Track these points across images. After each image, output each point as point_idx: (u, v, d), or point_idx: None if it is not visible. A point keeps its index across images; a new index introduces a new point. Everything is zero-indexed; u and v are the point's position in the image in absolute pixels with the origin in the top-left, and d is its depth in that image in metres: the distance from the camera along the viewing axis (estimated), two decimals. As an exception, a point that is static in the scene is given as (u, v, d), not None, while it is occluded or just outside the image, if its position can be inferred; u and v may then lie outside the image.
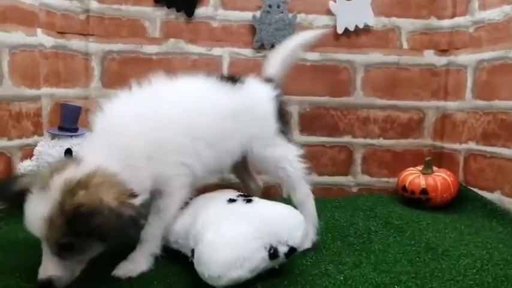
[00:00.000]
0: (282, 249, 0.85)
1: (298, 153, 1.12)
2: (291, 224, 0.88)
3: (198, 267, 0.81)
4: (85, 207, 0.75)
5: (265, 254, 0.82)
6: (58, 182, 0.79)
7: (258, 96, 1.12)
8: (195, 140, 0.97)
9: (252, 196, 0.99)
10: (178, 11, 1.54)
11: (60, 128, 1.34)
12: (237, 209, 0.92)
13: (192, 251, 0.86)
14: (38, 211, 0.77)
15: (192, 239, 0.88)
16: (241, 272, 0.79)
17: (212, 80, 1.06)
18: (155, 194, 0.94)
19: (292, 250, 0.86)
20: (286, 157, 1.11)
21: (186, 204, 1.02)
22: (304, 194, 1.13)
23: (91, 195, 0.77)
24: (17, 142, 1.29)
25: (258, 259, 0.82)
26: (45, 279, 0.78)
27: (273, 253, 0.83)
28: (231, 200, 0.95)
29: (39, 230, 0.78)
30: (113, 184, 0.81)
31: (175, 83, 1.02)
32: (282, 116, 1.16)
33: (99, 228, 0.76)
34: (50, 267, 0.79)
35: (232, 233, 0.83)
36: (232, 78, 1.11)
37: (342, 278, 0.90)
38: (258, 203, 0.94)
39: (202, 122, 0.98)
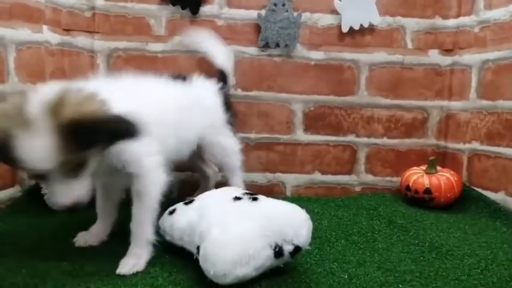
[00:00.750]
0: (287, 248, 0.85)
1: (239, 146, 1.37)
2: (296, 223, 0.88)
3: (204, 264, 0.81)
4: (77, 120, 0.73)
5: (270, 252, 0.82)
6: (38, 109, 0.73)
7: (204, 91, 1.29)
8: (164, 129, 1.03)
9: (257, 194, 0.99)
10: (183, 8, 1.54)
11: (66, 125, 1.35)
12: (243, 207, 0.92)
13: (198, 248, 0.86)
14: (36, 148, 0.73)
15: (198, 236, 0.88)
16: (247, 270, 0.79)
17: (169, 79, 1.19)
18: (132, 179, 0.95)
19: (297, 249, 0.86)
20: (232, 148, 1.35)
21: (191, 202, 1.02)
22: (240, 181, 1.39)
23: (77, 107, 0.75)
24: (22, 139, 1.30)
25: (264, 257, 0.82)
26: (71, 202, 0.79)
27: (278, 252, 0.83)
28: (237, 198, 0.95)
29: (46, 164, 0.74)
30: (93, 97, 0.79)
31: (145, 81, 1.11)
32: (229, 107, 1.36)
33: (99, 132, 0.76)
34: (68, 191, 0.79)
35: (238, 230, 0.83)
36: (181, 77, 1.26)
37: (346, 276, 0.90)
38: (264, 200, 0.94)
39: (168, 115, 1.08)
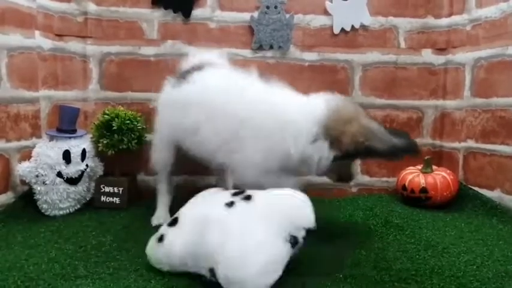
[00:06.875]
0: (301, 234, 0.84)
1: None
2: (299, 206, 0.87)
3: (232, 285, 0.77)
4: None
5: (288, 245, 0.82)
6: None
7: None
8: None
9: (244, 191, 0.93)
10: (175, 12, 1.54)
11: (59, 130, 1.34)
12: (243, 212, 0.86)
13: (211, 270, 0.81)
14: None
15: (207, 258, 0.83)
16: (276, 273, 0.79)
17: None
18: None
19: (308, 232, 0.86)
20: None
21: (175, 221, 0.94)
22: None
23: None
24: (15, 144, 1.29)
25: (285, 254, 0.81)
26: None
27: (294, 241, 0.83)
28: (230, 204, 0.88)
29: None
30: None
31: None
32: None
33: None
34: None
35: (254, 240, 0.80)
36: None
37: (341, 276, 0.90)
38: (258, 196, 0.89)
39: None
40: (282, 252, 0.81)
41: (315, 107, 1.07)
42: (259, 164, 1.07)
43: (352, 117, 1.06)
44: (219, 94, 1.12)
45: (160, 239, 0.92)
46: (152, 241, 0.94)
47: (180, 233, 0.90)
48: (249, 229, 0.82)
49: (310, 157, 1.06)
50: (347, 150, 1.04)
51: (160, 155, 1.31)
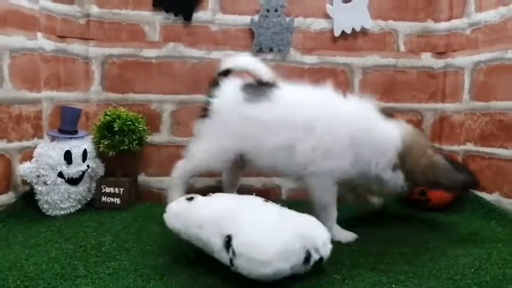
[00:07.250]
0: (315, 257, 0.86)
1: None
2: (323, 236, 0.90)
3: (247, 249, 0.79)
4: None
5: (303, 256, 0.83)
6: None
7: None
8: None
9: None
10: (176, 15, 1.55)
11: (60, 130, 1.35)
12: (277, 210, 0.92)
13: (228, 236, 0.83)
14: None
15: (228, 226, 0.85)
16: (286, 265, 0.79)
17: None
18: None
19: (320, 260, 0.87)
20: None
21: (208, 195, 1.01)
22: None
23: None
24: (16, 144, 1.30)
25: (299, 258, 0.83)
26: None
27: (307, 257, 0.84)
28: (266, 200, 0.96)
29: None
30: None
31: None
32: None
33: None
34: None
35: (282, 225, 0.85)
36: None
37: (339, 277, 0.90)
38: (290, 210, 0.95)
39: None
40: (298, 253, 0.82)
41: (394, 135, 1.14)
42: (342, 170, 1.14)
43: (423, 152, 1.14)
44: (320, 114, 1.17)
45: (191, 198, 0.98)
46: (180, 198, 1.00)
47: (211, 202, 0.96)
48: (280, 220, 0.87)
49: (387, 181, 1.15)
50: (416, 181, 1.15)
51: (206, 159, 1.27)
